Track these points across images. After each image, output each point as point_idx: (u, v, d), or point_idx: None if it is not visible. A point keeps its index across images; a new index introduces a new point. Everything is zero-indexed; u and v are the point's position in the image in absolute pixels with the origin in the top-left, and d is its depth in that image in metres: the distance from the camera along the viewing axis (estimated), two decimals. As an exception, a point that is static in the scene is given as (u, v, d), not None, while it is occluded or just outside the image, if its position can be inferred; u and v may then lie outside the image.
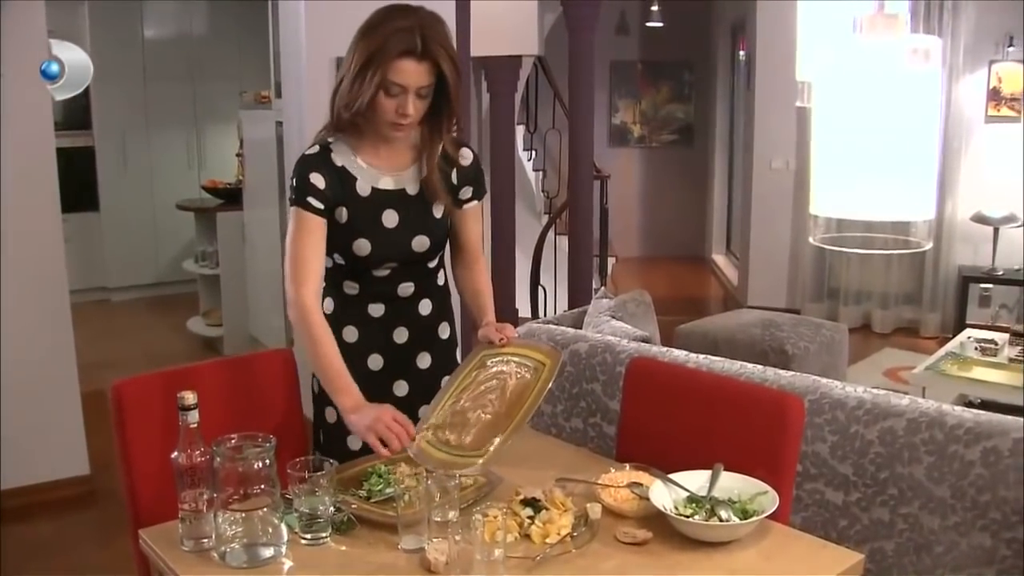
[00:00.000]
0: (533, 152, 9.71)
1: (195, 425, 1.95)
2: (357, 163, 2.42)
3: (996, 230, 7.22)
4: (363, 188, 2.41)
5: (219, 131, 8.73)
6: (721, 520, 1.99)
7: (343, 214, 2.40)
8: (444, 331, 2.62)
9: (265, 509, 1.91)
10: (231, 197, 7.02)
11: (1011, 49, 7.11)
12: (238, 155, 7.24)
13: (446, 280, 2.63)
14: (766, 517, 2.04)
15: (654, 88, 11.08)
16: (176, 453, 1.95)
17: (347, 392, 2.26)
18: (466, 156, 2.53)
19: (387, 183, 2.44)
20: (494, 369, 2.39)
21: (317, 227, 2.37)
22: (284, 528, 1.95)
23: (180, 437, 1.95)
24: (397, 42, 2.23)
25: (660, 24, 9.94)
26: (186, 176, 8.64)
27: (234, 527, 1.90)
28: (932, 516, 2.95)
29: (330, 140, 2.42)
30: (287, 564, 1.92)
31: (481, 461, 2.14)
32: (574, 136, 7.28)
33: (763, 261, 8.40)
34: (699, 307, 8.69)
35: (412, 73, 2.25)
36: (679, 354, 3.55)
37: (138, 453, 2.34)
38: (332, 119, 2.39)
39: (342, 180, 2.40)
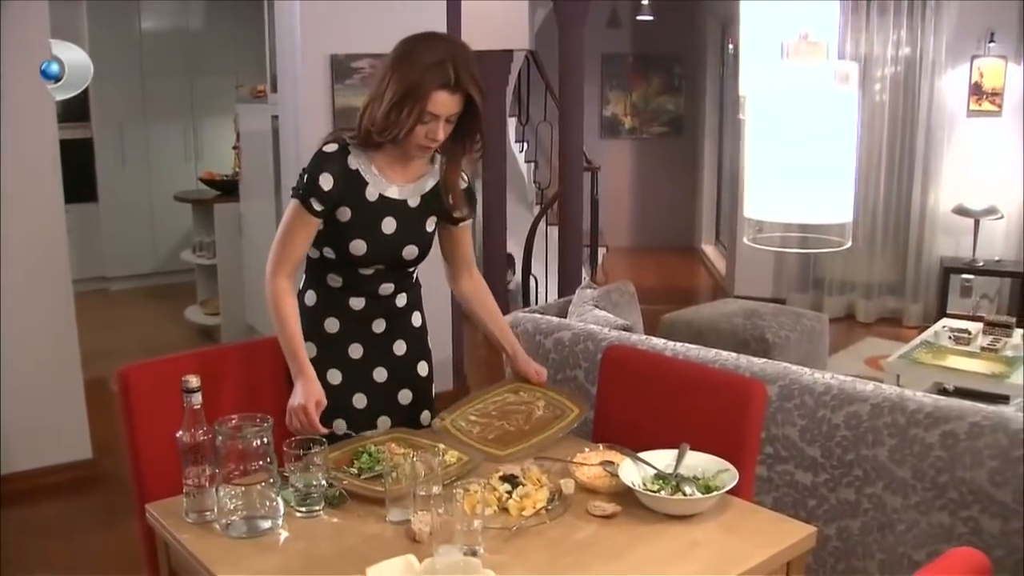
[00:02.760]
0: (525, 144, 9.81)
1: (198, 406, 2.09)
2: (372, 171, 2.55)
3: (977, 222, 7.36)
4: (371, 194, 2.55)
5: (216, 124, 8.81)
6: (685, 495, 2.15)
7: (346, 213, 2.54)
8: (416, 320, 2.79)
9: (263, 484, 2.06)
10: (228, 189, 7.09)
11: (992, 45, 7.25)
12: (234, 148, 7.33)
13: (417, 276, 2.79)
14: (729, 494, 2.20)
15: (645, 81, 11.20)
16: (181, 432, 2.09)
17: (295, 361, 2.49)
18: (463, 181, 2.69)
19: (393, 192, 2.58)
20: (526, 398, 2.69)
21: (309, 224, 2.53)
22: (281, 502, 2.10)
23: (184, 417, 2.09)
24: (433, 77, 2.38)
25: (651, 18, 10.06)
26: (183, 168, 8.73)
27: (235, 501, 2.05)
28: (895, 496, 3.11)
29: (348, 142, 2.55)
30: (283, 535, 2.06)
31: (504, 454, 2.42)
32: (564, 131, 7.42)
33: (750, 252, 8.47)
34: (688, 297, 8.81)
35: (446, 103, 2.41)
36: (657, 342, 3.69)
37: (143, 435, 2.48)
38: (360, 135, 2.52)
39: (353, 182, 2.54)
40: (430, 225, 2.67)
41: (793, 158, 1.76)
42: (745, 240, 2.00)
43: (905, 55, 7.51)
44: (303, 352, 2.52)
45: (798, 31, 1.69)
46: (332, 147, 2.55)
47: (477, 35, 6.63)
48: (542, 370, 2.79)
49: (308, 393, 2.42)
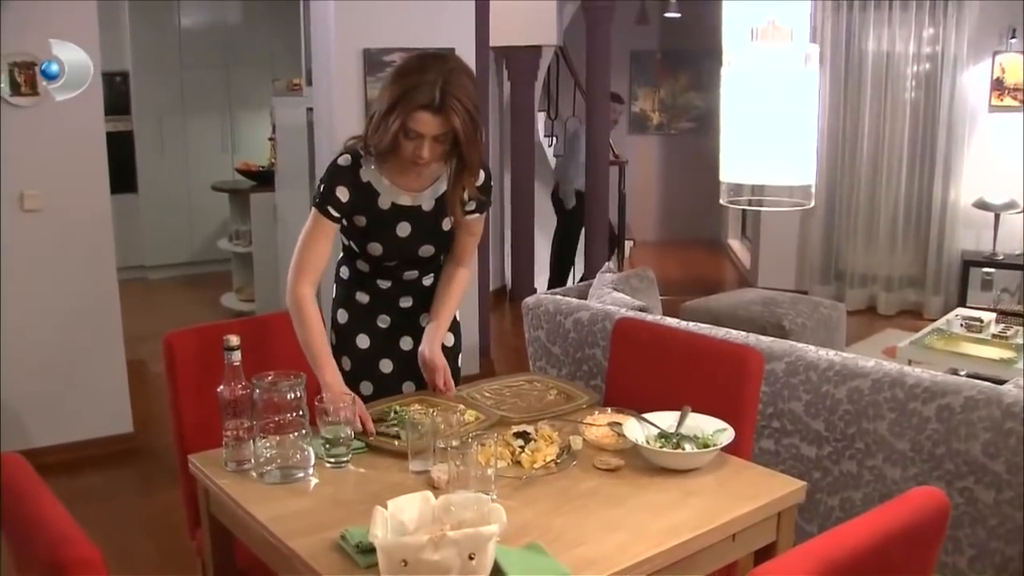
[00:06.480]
0: (554, 138, 9.96)
1: (238, 363, 2.27)
2: (382, 182, 2.67)
3: (997, 216, 7.42)
4: (384, 202, 2.68)
5: (252, 116, 9.02)
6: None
7: (362, 220, 2.69)
8: None
9: (296, 435, 2.24)
10: (263, 179, 7.23)
11: (1013, 40, 7.32)
12: (270, 139, 7.51)
13: None
14: (727, 452, 2.37)
15: (673, 77, 11.33)
16: (221, 387, 2.27)
17: (327, 367, 2.55)
18: (479, 177, 2.73)
19: (405, 200, 2.69)
20: (539, 387, 2.86)
21: (329, 231, 2.66)
22: (312, 453, 2.29)
23: (224, 373, 2.26)
24: (417, 95, 2.44)
25: (678, 15, 10.17)
26: (220, 159, 8.92)
27: (270, 451, 2.23)
28: (894, 468, 3.25)
29: (361, 153, 2.65)
30: (314, 482, 2.25)
31: (518, 418, 2.57)
32: (591, 127, 7.57)
33: (774, 245, 8.61)
34: (711, 288, 8.86)
35: (428, 123, 2.47)
36: (671, 321, 3.86)
37: (186, 397, 2.69)
38: (364, 145, 2.63)
39: (365, 194, 2.66)
40: (447, 224, 2.74)
41: (761, 128, 1.93)
42: (721, 202, 2.19)
43: (927, 52, 7.61)
44: (329, 355, 2.58)
45: (767, 18, 1.86)
46: (345, 160, 2.66)
47: (506, 31, 6.79)
48: (446, 372, 2.72)
49: (340, 393, 2.47)
